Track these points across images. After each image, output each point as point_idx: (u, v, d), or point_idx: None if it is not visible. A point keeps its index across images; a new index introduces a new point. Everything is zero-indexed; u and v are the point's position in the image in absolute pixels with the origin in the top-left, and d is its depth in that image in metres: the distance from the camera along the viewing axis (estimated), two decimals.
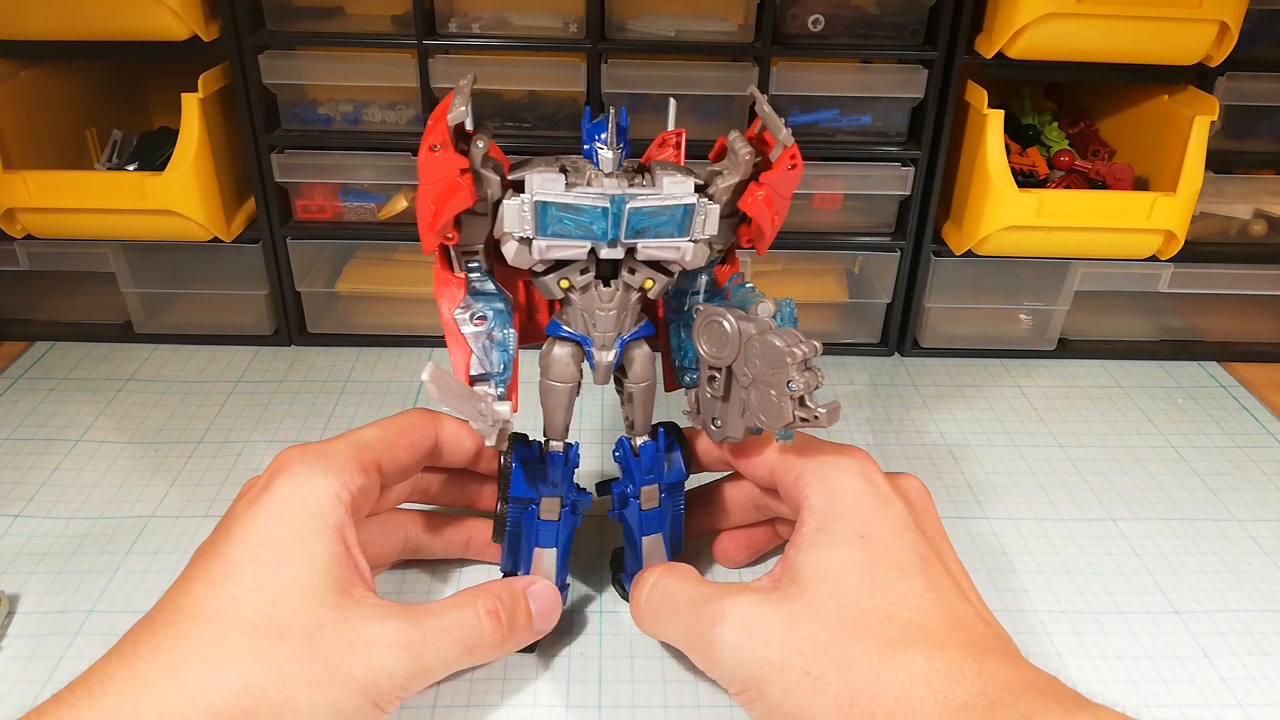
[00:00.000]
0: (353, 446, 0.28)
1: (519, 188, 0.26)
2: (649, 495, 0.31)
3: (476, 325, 0.28)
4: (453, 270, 0.28)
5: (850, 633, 0.24)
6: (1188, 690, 0.31)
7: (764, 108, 0.27)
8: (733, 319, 0.27)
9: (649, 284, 0.28)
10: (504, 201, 0.26)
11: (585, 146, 0.26)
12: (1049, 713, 0.21)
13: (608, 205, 0.25)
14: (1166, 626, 0.34)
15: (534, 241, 0.26)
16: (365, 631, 0.24)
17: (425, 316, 0.52)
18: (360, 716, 0.24)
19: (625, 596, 0.33)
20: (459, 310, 0.28)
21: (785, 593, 0.26)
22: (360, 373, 0.49)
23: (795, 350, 0.26)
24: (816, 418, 0.26)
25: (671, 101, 0.28)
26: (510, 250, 0.26)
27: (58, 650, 0.31)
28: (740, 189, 0.27)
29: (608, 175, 0.26)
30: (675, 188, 0.26)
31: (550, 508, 0.30)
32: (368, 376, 0.49)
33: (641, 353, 0.30)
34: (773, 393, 0.26)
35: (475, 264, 0.28)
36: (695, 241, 0.27)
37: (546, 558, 0.30)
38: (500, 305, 0.28)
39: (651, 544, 0.32)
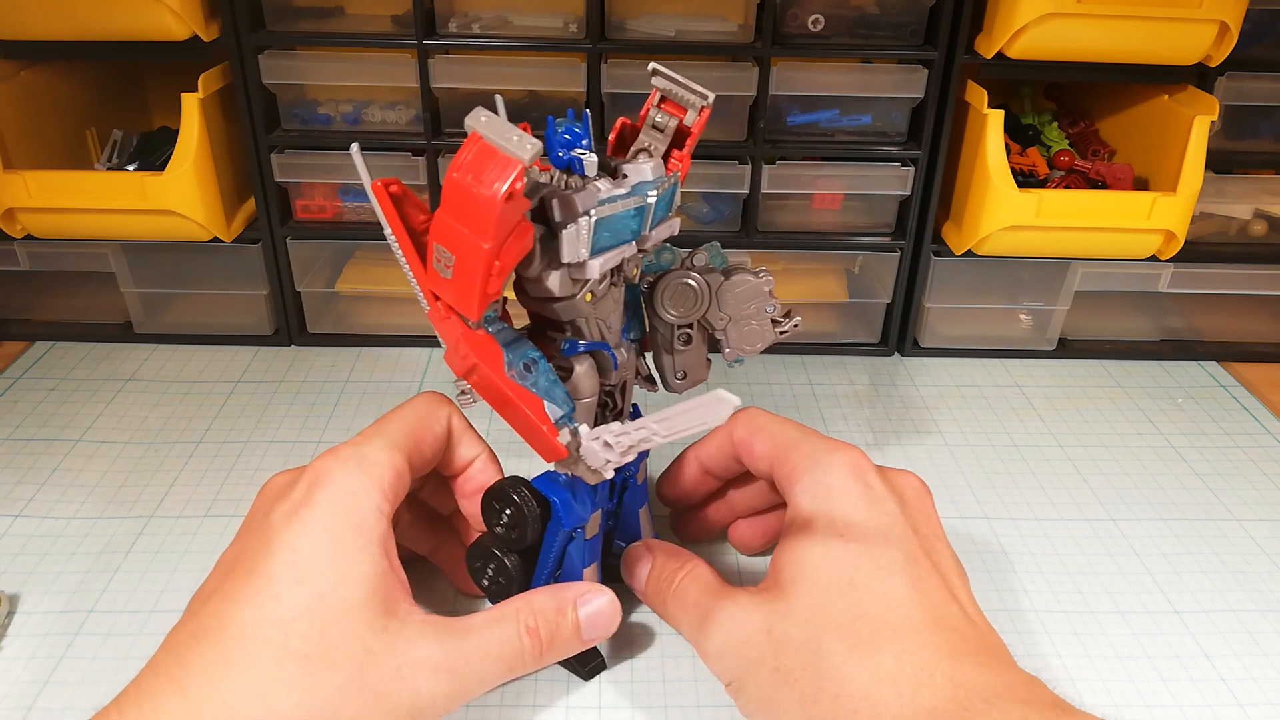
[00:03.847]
0: (386, 450, 0.27)
1: (537, 216, 0.25)
2: (642, 468, 0.32)
3: (529, 374, 0.26)
4: (472, 328, 0.25)
5: (821, 632, 0.24)
6: (1187, 690, 0.31)
7: (670, 76, 0.26)
8: (698, 277, 0.29)
9: (635, 270, 0.28)
10: (564, 230, 0.24)
11: (562, 154, 0.25)
12: None
13: (643, 203, 0.25)
14: (1166, 626, 0.34)
15: (590, 262, 0.25)
16: (411, 656, 0.24)
17: (424, 316, 0.52)
18: None
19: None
20: (506, 368, 0.25)
21: (768, 594, 0.26)
22: (360, 373, 0.49)
23: (766, 282, 0.29)
24: (796, 326, 0.30)
25: (498, 98, 0.27)
26: (556, 281, 0.25)
27: (58, 650, 0.31)
28: (664, 158, 0.28)
29: (595, 179, 0.25)
30: (659, 170, 0.26)
31: (595, 522, 0.30)
32: (368, 377, 0.49)
33: (628, 343, 0.30)
34: (753, 323, 0.30)
35: (492, 314, 0.26)
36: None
37: (591, 574, 0.30)
38: (530, 346, 0.27)
39: (645, 515, 0.33)
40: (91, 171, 0.50)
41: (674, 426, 0.23)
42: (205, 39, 0.44)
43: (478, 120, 0.22)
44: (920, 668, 0.23)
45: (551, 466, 0.28)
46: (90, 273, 0.49)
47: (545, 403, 0.26)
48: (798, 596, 0.25)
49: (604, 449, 0.25)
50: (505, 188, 0.21)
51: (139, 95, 0.56)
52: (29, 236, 0.48)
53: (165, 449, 0.42)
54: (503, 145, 0.21)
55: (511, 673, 0.26)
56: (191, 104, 0.44)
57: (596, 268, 0.25)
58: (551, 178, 0.25)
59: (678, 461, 0.34)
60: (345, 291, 0.51)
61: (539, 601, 0.27)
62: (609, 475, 0.26)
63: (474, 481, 0.31)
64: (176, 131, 0.45)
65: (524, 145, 0.21)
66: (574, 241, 0.24)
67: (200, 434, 0.43)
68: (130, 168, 0.50)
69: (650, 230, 0.27)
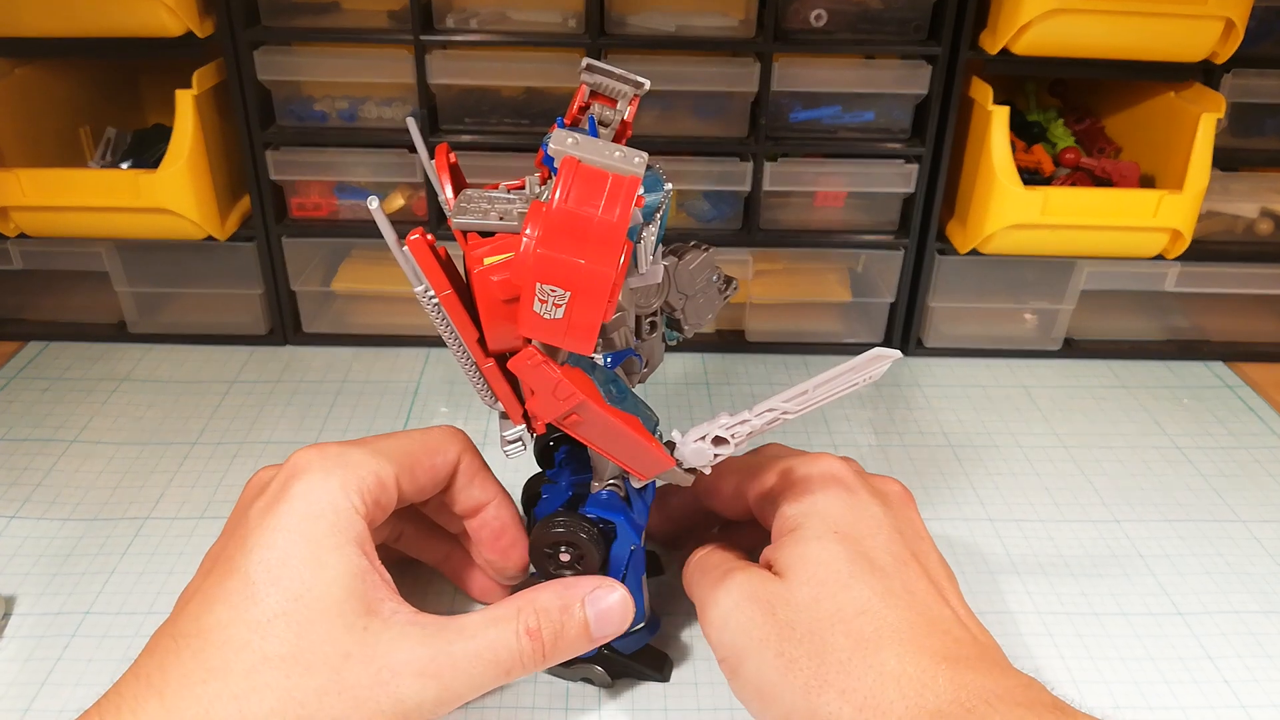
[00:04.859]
0: (374, 457, 0.26)
1: None
2: None
3: (618, 393, 0.25)
4: (558, 364, 0.24)
5: (826, 624, 0.24)
6: (1191, 692, 0.31)
7: (605, 69, 0.25)
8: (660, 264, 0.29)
9: None
10: (638, 242, 0.23)
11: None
12: None
13: (670, 197, 0.25)
14: (1170, 628, 0.33)
15: (655, 265, 0.24)
16: (392, 659, 0.23)
17: (421, 316, 0.52)
18: None
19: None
20: (605, 396, 0.24)
21: (771, 576, 0.26)
22: (356, 373, 0.49)
23: (712, 253, 0.29)
24: (735, 289, 0.30)
25: (409, 120, 0.26)
26: (620, 294, 0.24)
27: (54, 652, 0.31)
28: None
29: None
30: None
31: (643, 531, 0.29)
32: (364, 376, 0.48)
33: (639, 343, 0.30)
34: (701, 299, 0.30)
35: None
36: None
37: (646, 583, 0.30)
38: (603, 367, 0.26)
39: None
40: (85, 169, 0.49)
41: (814, 399, 0.23)
42: (200, 35, 0.43)
43: (565, 143, 0.21)
44: (922, 669, 0.23)
45: (635, 483, 0.27)
46: (84, 272, 0.49)
47: (642, 419, 0.25)
48: (797, 584, 0.25)
49: (714, 445, 0.25)
50: (630, 208, 0.20)
51: (133, 92, 0.55)
52: (22, 235, 0.47)
53: (160, 449, 0.42)
54: (611, 165, 0.20)
55: (508, 676, 0.25)
56: (186, 101, 0.44)
57: (660, 271, 0.25)
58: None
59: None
60: (341, 290, 0.51)
61: (542, 599, 0.26)
62: (707, 471, 0.25)
63: (488, 528, 0.30)
64: (170, 129, 0.44)
65: (632, 159, 0.20)
66: (648, 248, 0.24)
67: (196, 434, 0.43)
68: (124, 165, 0.50)
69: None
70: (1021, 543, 0.38)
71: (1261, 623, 0.34)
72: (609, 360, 0.27)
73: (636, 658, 0.30)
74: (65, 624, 0.32)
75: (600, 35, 0.44)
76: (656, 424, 0.26)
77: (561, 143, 0.21)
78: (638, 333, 0.30)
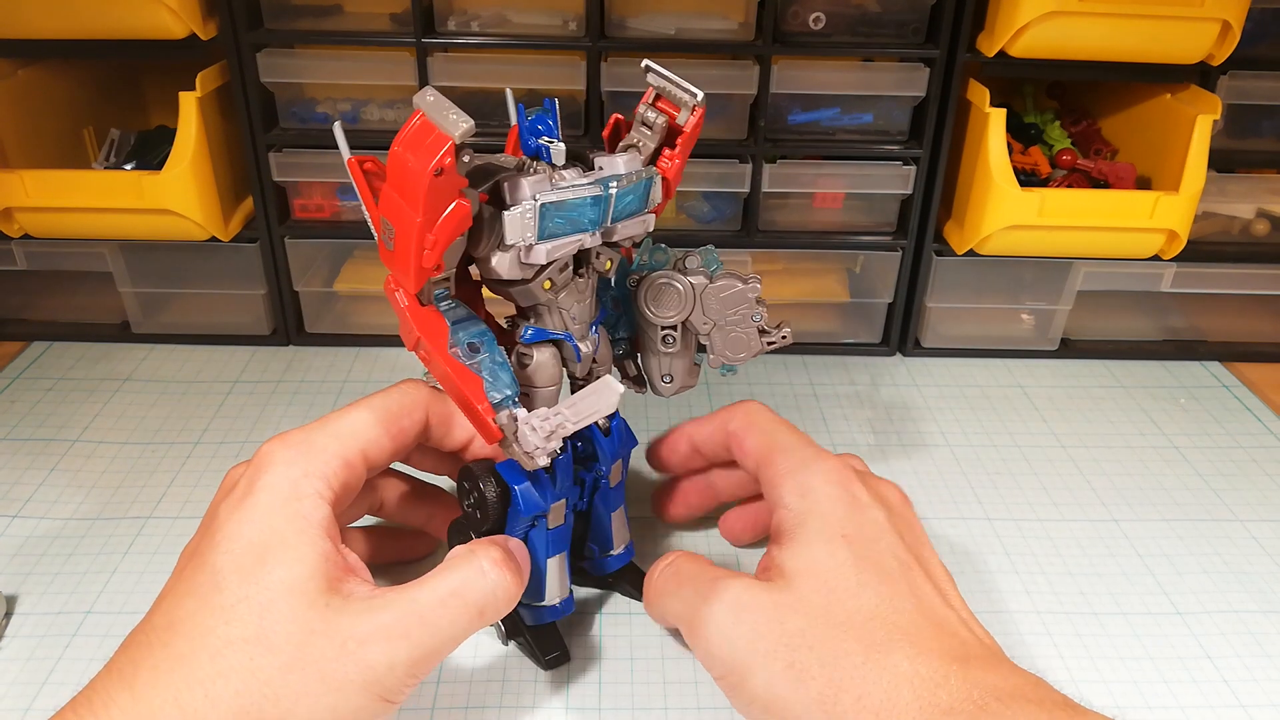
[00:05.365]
0: (337, 439, 0.27)
1: (493, 198, 0.25)
2: (615, 471, 0.31)
3: (475, 354, 0.26)
4: (422, 304, 0.26)
5: (837, 631, 0.24)
6: (1190, 691, 0.31)
7: (662, 73, 0.26)
8: (683, 278, 0.29)
9: (609, 264, 0.28)
10: (506, 212, 0.25)
11: (532, 142, 0.26)
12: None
13: (600, 193, 0.25)
14: (1169, 627, 0.34)
15: (536, 247, 0.25)
16: (356, 629, 0.23)
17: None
18: (367, 714, 0.23)
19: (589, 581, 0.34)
20: (450, 346, 0.26)
21: (774, 584, 0.26)
22: (358, 373, 0.49)
23: (753, 288, 0.29)
24: (785, 337, 0.30)
25: (508, 92, 0.28)
26: (504, 263, 0.25)
27: (55, 651, 0.31)
28: (654, 156, 0.28)
29: (563, 168, 0.25)
30: (633, 164, 0.26)
31: (558, 512, 0.29)
32: (366, 376, 0.49)
33: (604, 336, 0.30)
34: (736, 330, 0.29)
35: (443, 291, 0.27)
36: (653, 212, 0.28)
37: (555, 565, 0.30)
38: (482, 326, 0.27)
39: (619, 519, 0.32)
40: (89, 171, 0.49)
41: (580, 412, 0.25)
42: (203, 37, 0.44)
43: (424, 99, 0.22)
44: (934, 669, 0.23)
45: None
46: (88, 272, 0.49)
47: (487, 384, 0.26)
48: (807, 592, 0.25)
49: (532, 433, 0.26)
50: (434, 163, 0.22)
51: (136, 94, 0.56)
52: (26, 236, 0.47)
53: (163, 449, 0.42)
54: (438, 122, 0.22)
55: (482, 617, 0.25)
56: (189, 102, 0.44)
57: (544, 253, 0.25)
58: (522, 164, 0.26)
59: (672, 435, 0.35)
60: (343, 291, 0.51)
61: (487, 540, 0.27)
62: (543, 462, 0.26)
63: (484, 454, 0.31)
64: (174, 130, 0.44)
65: (457, 124, 0.22)
66: (517, 224, 0.24)
67: (198, 434, 0.43)
68: (128, 167, 0.50)
69: (615, 224, 0.27)
70: (1019, 542, 0.38)
71: (1260, 622, 0.34)
72: (534, 333, 0.28)
73: (534, 634, 0.31)
74: (66, 624, 0.32)
75: (600, 38, 0.44)
76: (505, 400, 0.26)
77: (422, 98, 0.23)
78: (655, 344, 0.30)
